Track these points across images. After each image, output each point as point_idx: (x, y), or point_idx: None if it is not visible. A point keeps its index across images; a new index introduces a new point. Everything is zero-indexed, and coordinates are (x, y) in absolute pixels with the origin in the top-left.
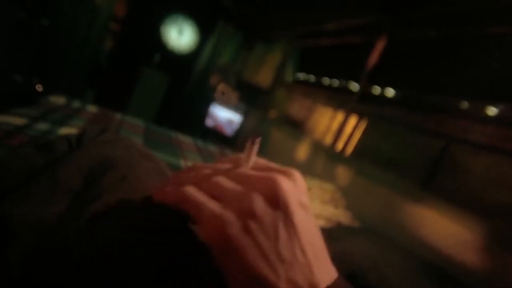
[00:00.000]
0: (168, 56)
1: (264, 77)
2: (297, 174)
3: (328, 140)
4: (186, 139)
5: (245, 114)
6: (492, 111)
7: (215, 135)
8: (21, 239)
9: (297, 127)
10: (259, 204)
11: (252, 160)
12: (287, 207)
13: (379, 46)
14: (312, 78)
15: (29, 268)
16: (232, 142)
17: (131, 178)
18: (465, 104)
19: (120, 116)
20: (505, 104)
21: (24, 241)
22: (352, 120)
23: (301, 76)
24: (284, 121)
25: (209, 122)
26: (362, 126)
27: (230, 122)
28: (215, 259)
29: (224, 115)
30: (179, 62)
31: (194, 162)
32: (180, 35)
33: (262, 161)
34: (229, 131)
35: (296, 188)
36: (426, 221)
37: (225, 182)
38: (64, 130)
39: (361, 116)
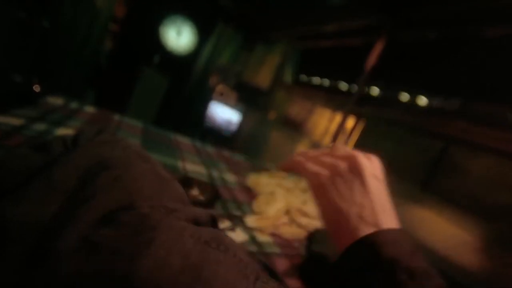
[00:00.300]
0: (168, 56)
1: (263, 78)
2: (374, 157)
3: (327, 141)
4: (184, 140)
5: (244, 115)
6: (491, 112)
7: (214, 136)
8: (20, 240)
9: (296, 128)
10: (342, 168)
11: (343, 148)
12: (362, 173)
13: (378, 47)
14: (311, 79)
15: (28, 269)
16: (231, 142)
17: (127, 178)
18: (464, 105)
19: (118, 117)
20: (504, 105)
21: (24, 242)
22: (351, 122)
23: (301, 77)
24: (283, 122)
25: (208, 123)
26: (361, 127)
27: (229, 122)
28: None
29: (223, 116)
30: (179, 63)
31: (192, 163)
32: (179, 36)
33: (350, 149)
34: (228, 131)
35: (371, 165)
36: (425, 222)
37: (324, 157)
38: (62, 131)
39: (359, 118)
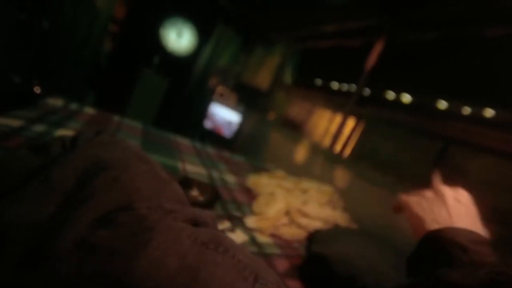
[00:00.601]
0: (168, 58)
1: (263, 79)
2: (460, 189)
3: (327, 142)
4: (184, 141)
5: (244, 116)
6: (491, 113)
7: (214, 137)
8: (19, 241)
9: (296, 129)
10: (429, 194)
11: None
12: (442, 195)
13: (378, 48)
14: (311, 80)
15: (26, 270)
16: (231, 143)
17: (125, 179)
18: (464, 106)
19: (118, 118)
20: (505, 106)
21: (22, 243)
22: (351, 122)
23: (300, 78)
24: (283, 123)
25: (208, 124)
26: (361, 128)
27: (229, 123)
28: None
29: (223, 117)
30: (179, 64)
31: (192, 164)
32: (179, 38)
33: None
34: (228, 132)
35: (455, 193)
36: None
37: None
38: (61, 132)
39: (359, 118)
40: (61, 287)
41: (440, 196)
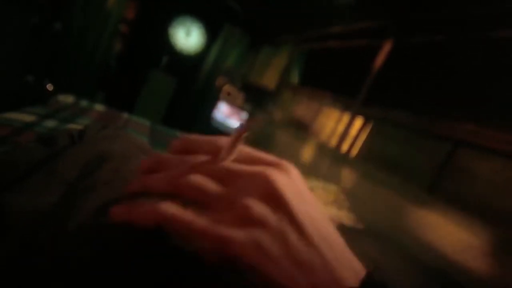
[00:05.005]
0: (176, 58)
1: (269, 79)
2: (289, 165)
3: (333, 142)
4: None
5: (251, 115)
6: (500, 114)
7: (220, 135)
8: (18, 229)
9: (302, 129)
10: (257, 209)
11: (236, 150)
12: (289, 206)
13: (385, 49)
14: (318, 80)
15: (23, 259)
16: None
17: (125, 170)
18: (472, 107)
19: (127, 115)
20: None
21: (20, 230)
22: (358, 123)
23: (307, 78)
24: (289, 122)
25: (214, 122)
26: (368, 128)
27: (235, 122)
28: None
29: (230, 116)
30: (186, 64)
31: None
32: (188, 37)
33: (247, 150)
34: (234, 131)
35: (291, 182)
36: (431, 225)
37: (206, 183)
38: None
39: (366, 119)
40: (60, 271)
41: (283, 207)
